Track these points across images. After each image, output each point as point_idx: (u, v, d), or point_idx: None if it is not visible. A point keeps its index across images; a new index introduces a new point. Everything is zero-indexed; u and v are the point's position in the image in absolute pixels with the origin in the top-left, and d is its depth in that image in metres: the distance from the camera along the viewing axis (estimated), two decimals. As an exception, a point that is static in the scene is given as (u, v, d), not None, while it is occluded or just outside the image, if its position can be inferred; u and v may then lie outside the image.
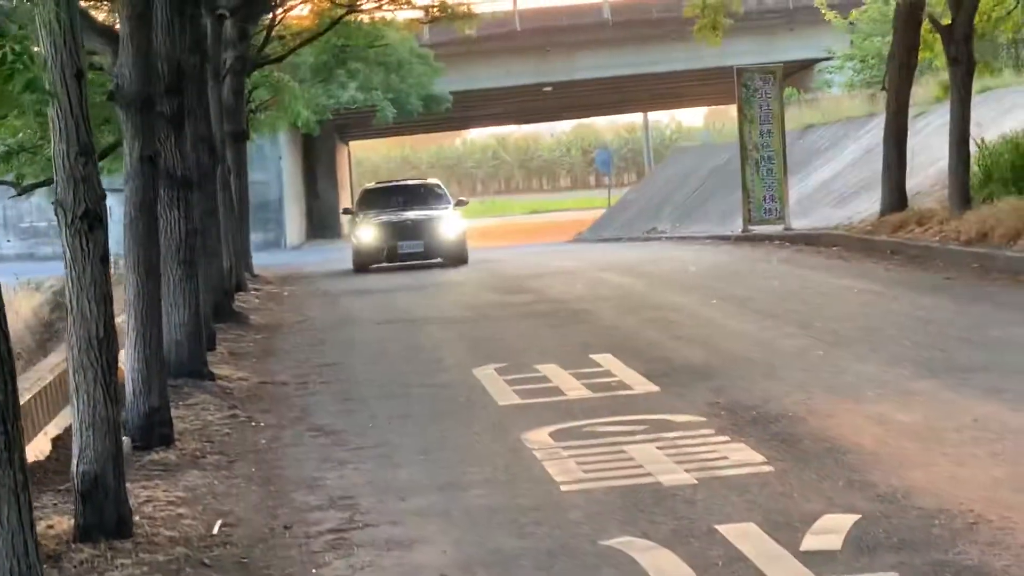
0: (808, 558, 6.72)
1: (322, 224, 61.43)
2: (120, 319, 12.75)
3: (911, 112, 30.80)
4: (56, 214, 7.77)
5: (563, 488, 8.45)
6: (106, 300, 7.98)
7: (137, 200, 10.25)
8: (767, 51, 49.61)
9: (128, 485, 8.27)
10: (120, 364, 8.61)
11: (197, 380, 12.94)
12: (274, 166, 52.35)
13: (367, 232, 28.73)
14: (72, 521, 7.94)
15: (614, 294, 18.92)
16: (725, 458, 8.89)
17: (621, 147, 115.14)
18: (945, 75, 24.57)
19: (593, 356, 13.38)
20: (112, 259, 9.03)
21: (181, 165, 13.00)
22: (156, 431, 10.41)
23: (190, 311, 13.21)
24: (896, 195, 22.73)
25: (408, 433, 10.58)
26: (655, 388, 11.56)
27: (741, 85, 29.00)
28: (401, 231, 28.50)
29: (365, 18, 33.88)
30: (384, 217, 28.99)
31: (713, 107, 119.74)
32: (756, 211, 28.99)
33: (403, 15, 36.49)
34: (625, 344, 14.10)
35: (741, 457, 8.87)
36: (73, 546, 7.66)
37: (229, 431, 11.08)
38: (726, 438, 9.45)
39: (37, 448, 11.03)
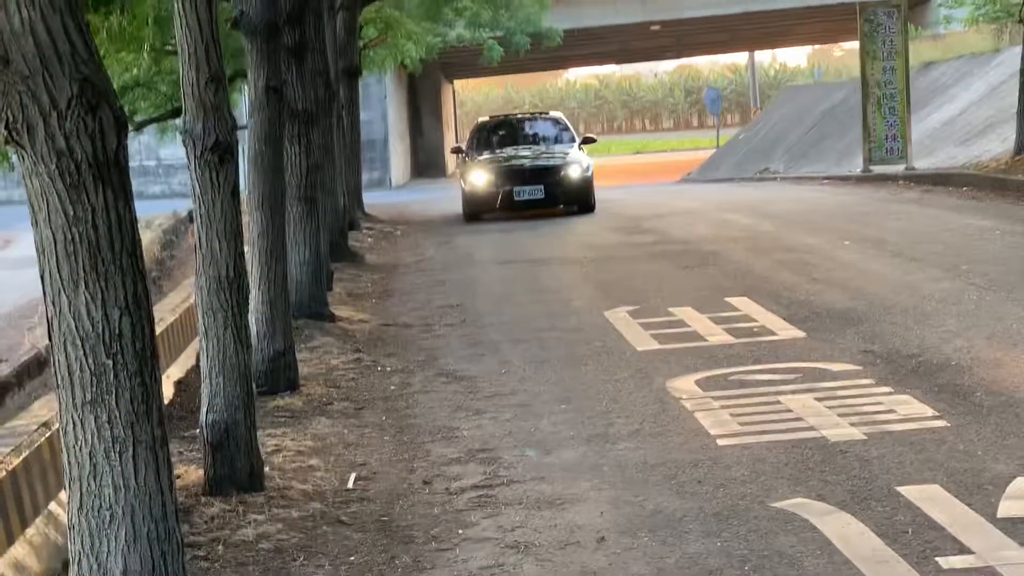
0: (1008, 526, 6.06)
1: (427, 163, 61.05)
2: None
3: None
4: (184, 145, 7.24)
5: (720, 442, 7.84)
6: (237, 238, 7.46)
7: (263, 132, 9.73)
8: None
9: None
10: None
11: (318, 321, 12.45)
12: (379, 105, 51.78)
13: (479, 176, 24.34)
14: (201, 472, 7.46)
15: (740, 235, 18.20)
16: (892, 411, 8.23)
17: (725, 87, 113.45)
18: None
19: (729, 299, 12.73)
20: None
21: (303, 98, 12.48)
22: (282, 375, 9.93)
23: (311, 250, 12.70)
24: (1031, 133, 21.75)
25: (545, 380, 10.00)
26: (801, 334, 10.89)
27: (864, 20, 28.01)
28: (518, 174, 24.06)
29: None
30: (499, 158, 24.89)
31: (817, 46, 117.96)
32: (877, 150, 28.07)
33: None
34: (760, 287, 13.42)
35: (910, 410, 8.21)
36: (203, 499, 7.17)
37: (355, 376, 10.57)
38: (888, 389, 8.77)
39: (157, 392, 10.57)
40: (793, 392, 8.88)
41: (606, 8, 54.84)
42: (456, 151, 28.00)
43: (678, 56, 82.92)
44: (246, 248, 9.41)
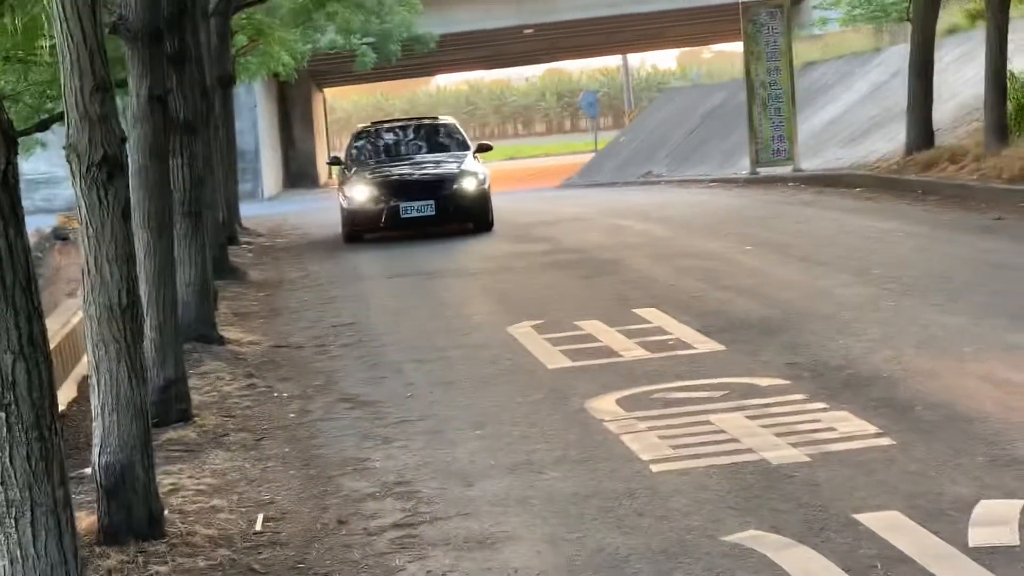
0: (983, 556, 5.67)
1: (299, 173, 60.26)
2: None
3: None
4: (68, 161, 6.62)
5: (654, 468, 7.38)
6: (129, 261, 6.86)
7: (148, 145, 9.12)
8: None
9: (153, 473, 7.18)
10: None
11: (207, 344, 11.86)
12: (249, 114, 50.90)
13: (360, 190, 21.51)
14: (94, 518, 6.85)
15: (636, 241, 17.82)
16: (832, 429, 7.83)
17: (598, 91, 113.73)
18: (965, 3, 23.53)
19: (636, 311, 12.32)
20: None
21: (184, 108, 11.87)
22: (174, 406, 9.33)
23: (197, 268, 12.10)
24: (923, 132, 21.67)
25: (454, 404, 9.49)
26: (720, 346, 10.50)
27: (748, 20, 27.86)
28: (405, 188, 21.42)
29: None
30: (383, 170, 22.28)
31: (686, 49, 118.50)
32: (764, 152, 27.94)
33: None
34: (668, 296, 13.03)
35: (850, 428, 7.81)
36: (98, 550, 6.57)
37: (250, 403, 9.99)
38: (822, 404, 8.39)
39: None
40: (723, 410, 8.46)
41: (479, 12, 54.45)
42: (334, 162, 24.63)
43: (553, 60, 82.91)
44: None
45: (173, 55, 11.42)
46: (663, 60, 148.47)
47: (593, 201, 28.26)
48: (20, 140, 14.95)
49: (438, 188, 21.29)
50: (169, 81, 11.40)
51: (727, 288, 13.21)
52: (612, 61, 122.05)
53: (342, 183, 22.38)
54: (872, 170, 22.56)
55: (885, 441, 7.50)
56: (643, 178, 36.40)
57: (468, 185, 21.40)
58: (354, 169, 22.50)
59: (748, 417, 8.22)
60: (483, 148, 23.66)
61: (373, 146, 23.75)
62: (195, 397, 9.91)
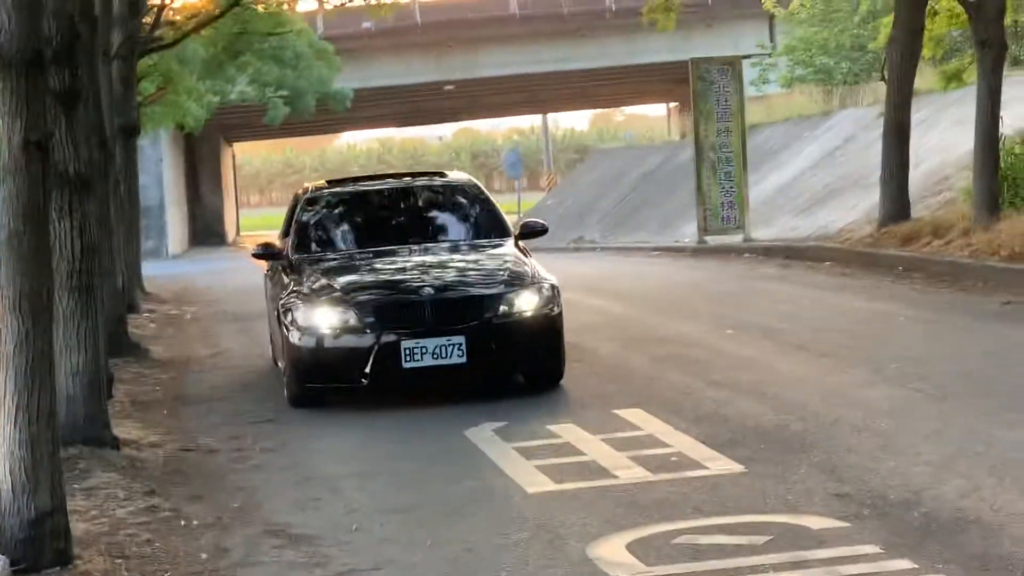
0: None
1: (206, 230, 58.20)
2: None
3: (876, 109, 28.21)
4: None
5: (709, 666, 5.38)
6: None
7: (20, 205, 7.03)
8: (683, 48, 46.94)
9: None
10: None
11: (96, 448, 9.68)
12: (154, 168, 48.64)
13: (322, 314, 11.39)
14: None
15: (595, 321, 15.76)
16: (939, 606, 5.87)
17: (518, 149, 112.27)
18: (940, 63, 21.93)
19: (618, 412, 10.36)
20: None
21: (75, 159, 9.74)
22: (48, 545, 7.17)
23: (87, 354, 9.91)
24: (898, 202, 19.91)
25: (414, 545, 7.41)
26: (737, 466, 8.51)
27: (697, 78, 26.11)
28: (409, 312, 11.35)
29: (262, 6, 30.62)
30: (361, 273, 12.10)
31: (598, 111, 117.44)
32: (713, 219, 26.17)
33: (305, 2, 33.33)
34: (652, 394, 11.05)
35: (964, 605, 5.86)
36: None
37: (150, 536, 7.83)
38: (909, 564, 6.40)
39: None
40: (775, 568, 6.46)
41: (399, 67, 52.66)
42: (265, 253, 13.11)
43: (470, 117, 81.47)
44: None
45: (62, 93, 9.32)
46: (577, 122, 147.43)
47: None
48: None
49: (471, 311, 11.27)
50: (56, 125, 9.33)
51: (721, 385, 11.23)
52: (525, 122, 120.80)
53: (282, 292, 12.13)
54: (842, 243, 20.76)
55: (1022, 629, 5.54)
56: (575, 244, 34.50)
57: (525, 305, 11.43)
58: (306, 269, 12.19)
59: (815, 582, 6.24)
60: (532, 231, 12.96)
61: (337, 224, 13.41)
62: (79, 526, 7.77)
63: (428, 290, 11.36)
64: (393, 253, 12.57)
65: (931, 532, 6.88)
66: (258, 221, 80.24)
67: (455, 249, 12.62)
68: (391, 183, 14.15)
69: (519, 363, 11.62)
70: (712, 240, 25.90)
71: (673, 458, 8.87)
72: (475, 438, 9.86)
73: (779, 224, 26.22)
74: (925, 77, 22.29)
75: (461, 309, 11.26)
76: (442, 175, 14.35)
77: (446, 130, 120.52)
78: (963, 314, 14.09)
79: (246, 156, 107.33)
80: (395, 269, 12.16)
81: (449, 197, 13.73)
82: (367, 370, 11.10)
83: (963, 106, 24.36)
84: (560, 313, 11.64)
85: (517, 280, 11.58)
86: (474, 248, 12.62)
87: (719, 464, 8.60)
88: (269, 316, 13.51)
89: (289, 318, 11.54)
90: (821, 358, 12.07)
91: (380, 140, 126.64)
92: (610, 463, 8.85)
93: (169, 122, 33.00)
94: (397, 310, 11.32)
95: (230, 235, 61.33)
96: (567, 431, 9.83)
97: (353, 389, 11.36)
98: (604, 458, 8.99)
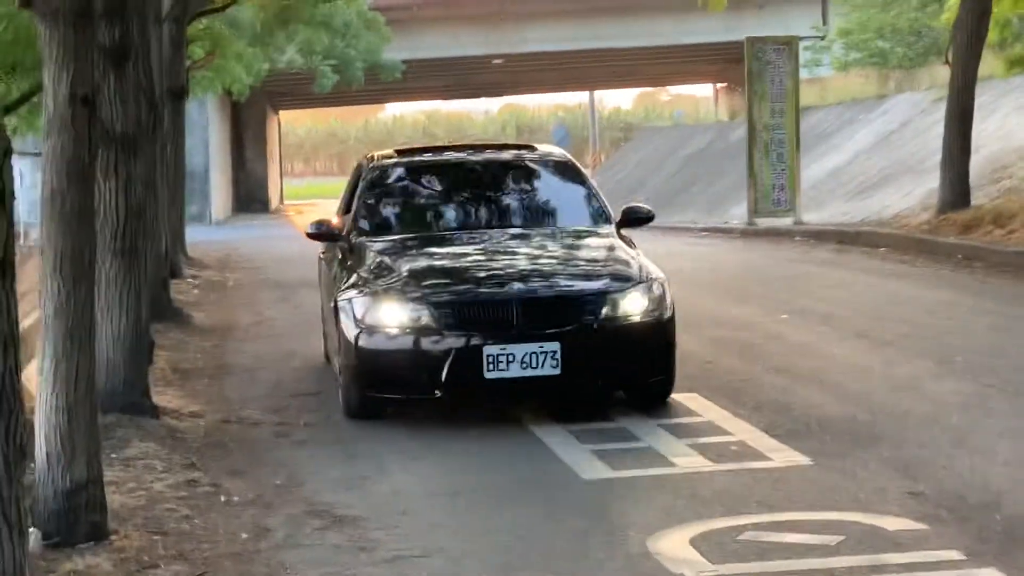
0: None
1: (249, 197, 57.78)
2: (26, 323, 9.18)
3: (933, 94, 27.65)
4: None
5: None
6: (9, 338, 4.42)
7: (63, 162, 6.67)
8: (733, 29, 46.36)
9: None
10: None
11: (136, 417, 9.32)
12: (200, 133, 48.28)
13: (390, 311, 9.49)
14: None
15: (646, 300, 15.33)
16: (1032, 621, 5.45)
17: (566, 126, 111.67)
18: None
19: (675, 396, 9.90)
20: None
21: (123, 118, 9.37)
22: (83, 518, 6.82)
23: (129, 320, 9.55)
24: (959, 189, 19.33)
25: (465, 528, 7.03)
26: (803, 459, 8.09)
27: (752, 57, 25.58)
28: (493, 312, 9.39)
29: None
30: (436, 266, 10.08)
31: (644, 89, 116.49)
32: (764, 201, 25.65)
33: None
34: (708, 379, 10.63)
35: (1058, 620, 5.43)
36: None
37: (189, 512, 7.47)
38: (997, 573, 5.97)
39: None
40: (851, 573, 6.05)
41: (446, 38, 52.17)
42: (321, 235, 11.08)
43: (514, 92, 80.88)
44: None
45: (111, 49, 8.96)
46: (621, 100, 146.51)
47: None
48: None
49: (569, 314, 9.38)
50: (104, 82, 8.97)
51: (781, 371, 10.80)
52: (571, 99, 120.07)
53: (340, 280, 10.29)
54: (897, 229, 20.23)
55: (1124, 649, 5.11)
56: (621, 222, 34.02)
57: (632, 307, 9.56)
58: (370, 254, 10.31)
59: (895, 588, 5.82)
60: (637, 218, 10.91)
61: (408, 202, 11.50)
62: (115, 498, 7.41)
63: (517, 286, 9.47)
64: (474, 239, 10.58)
65: (1017, 539, 6.44)
66: (301, 190, 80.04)
67: (548, 237, 10.55)
68: (472, 155, 12.04)
69: (622, 378, 9.57)
70: (762, 222, 25.40)
71: (733, 447, 8.47)
72: (527, 419, 9.46)
73: (831, 208, 25.70)
74: (986, 62, 21.68)
75: (557, 310, 9.31)
76: (531, 148, 12.12)
77: (492, 104, 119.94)
78: (1033, 307, 13.62)
79: (290, 125, 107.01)
80: (477, 259, 10.14)
81: (541, 174, 11.52)
82: (442, 379, 9.19)
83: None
84: (672, 317, 9.69)
85: (623, 276, 9.61)
86: (571, 236, 10.57)
87: (783, 456, 8.19)
88: (323, 307, 11.59)
89: (348, 313, 9.59)
90: (883, 347, 11.61)
91: (426, 113, 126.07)
92: (667, 449, 8.47)
93: (217, 87, 32.65)
94: (480, 309, 9.33)
95: (273, 203, 61.05)
96: (621, 414, 9.43)
97: (423, 401, 9.54)
98: (660, 444, 8.61)
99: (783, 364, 11.09)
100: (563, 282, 9.60)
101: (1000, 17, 20.16)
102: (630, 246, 10.27)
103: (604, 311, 9.35)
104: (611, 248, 10.18)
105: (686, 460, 8.20)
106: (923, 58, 35.59)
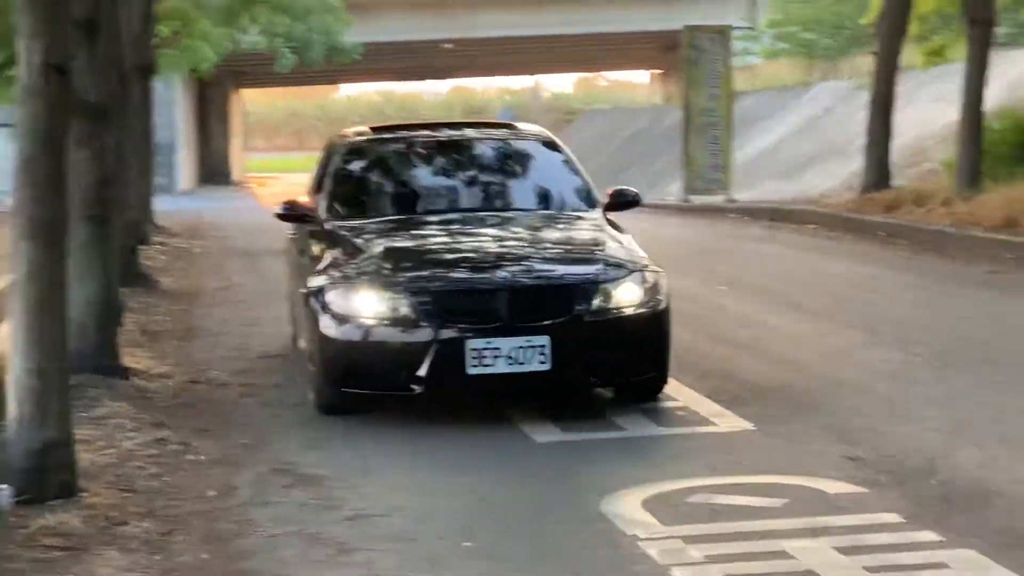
0: None
1: (213, 170, 57.40)
2: None
3: (855, 82, 27.57)
4: None
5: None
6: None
7: (36, 130, 6.36)
8: (667, 18, 46.19)
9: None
10: None
11: (106, 378, 9.03)
12: (167, 110, 47.68)
13: (365, 300, 8.17)
14: None
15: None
16: (971, 583, 5.27)
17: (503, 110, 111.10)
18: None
19: (623, 363, 9.66)
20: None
21: (95, 88, 9.06)
22: (53, 476, 6.53)
23: (100, 284, 9.27)
24: (880, 170, 19.29)
25: (426, 491, 6.80)
26: (747, 424, 7.90)
27: (689, 46, 25.39)
28: (477, 302, 8.11)
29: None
30: (415, 251, 8.74)
31: (582, 75, 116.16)
32: (698, 180, 25.49)
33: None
34: (653, 346, 10.40)
35: (996, 582, 5.26)
36: None
37: (158, 470, 7.21)
38: (934, 536, 5.79)
39: None
40: (796, 535, 5.85)
41: (400, 23, 51.71)
42: (292, 214, 9.72)
43: (465, 75, 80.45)
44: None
45: (84, 20, 8.64)
46: (563, 85, 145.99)
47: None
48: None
49: (559, 304, 8.14)
50: (78, 51, 8.64)
51: (722, 340, 10.63)
52: (516, 82, 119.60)
53: (311, 265, 9.07)
54: (825, 207, 20.11)
55: (1062, 612, 4.94)
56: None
57: (626, 297, 8.33)
58: (344, 238, 9.05)
59: (839, 551, 5.62)
60: (623, 201, 9.78)
61: (384, 182, 10.17)
62: (85, 456, 7.12)
63: (503, 274, 8.22)
64: (454, 222, 9.26)
65: (952, 503, 6.27)
66: (263, 164, 79.43)
67: (534, 220, 9.26)
68: (450, 133, 10.56)
69: (615, 372, 8.30)
70: (697, 200, 25.26)
71: (679, 412, 8.27)
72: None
73: (761, 187, 25.62)
74: (907, 54, 21.61)
75: (547, 300, 8.08)
76: (510, 127, 10.77)
77: (442, 87, 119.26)
78: (951, 282, 13.46)
79: (253, 103, 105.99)
80: (459, 244, 8.91)
81: (525, 154, 10.15)
82: (421, 374, 7.97)
83: (942, 83, 23.73)
84: (667, 308, 8.46)
85: (615, 264, 8.38)
86: (558, 220, 9.29)
87: (728, 422, 7.99)
88: (292, 292, 10.15)
89: (320, 301, 8.32)
90: (816, 318, 11.46)
91: (381, 93, 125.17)
92: (614, 412, 8.24)
93: (184, 66, 32.15)
94: (463, 298, 8.10)
95: (236, 176, 60.64)
96: (572, 380, 9.20)
97: (401, 398, 8.19)
98: (610, 409, 8.38)
99: (723, 334, 10.92)
100: (553, 270, 8.35)
101: (921, 12, 20.03)
102: (619, 231, 9.13)
103: (597, 301, 8.13)
104: (599, 232, 8.96)
105: (634, 424, 7.99)
106: (846, 49, 35.51)
